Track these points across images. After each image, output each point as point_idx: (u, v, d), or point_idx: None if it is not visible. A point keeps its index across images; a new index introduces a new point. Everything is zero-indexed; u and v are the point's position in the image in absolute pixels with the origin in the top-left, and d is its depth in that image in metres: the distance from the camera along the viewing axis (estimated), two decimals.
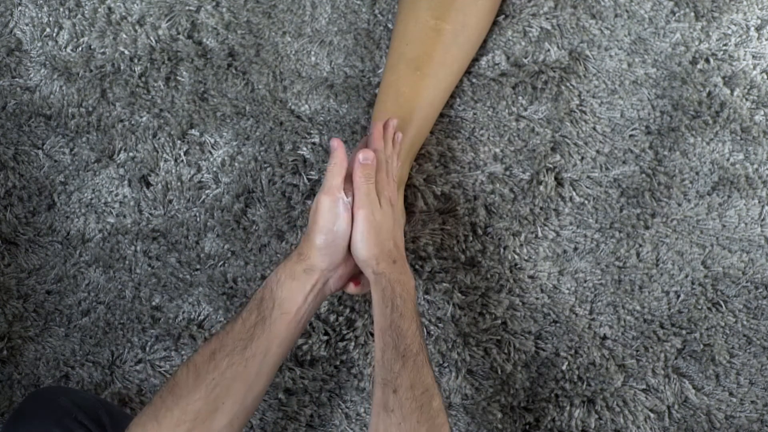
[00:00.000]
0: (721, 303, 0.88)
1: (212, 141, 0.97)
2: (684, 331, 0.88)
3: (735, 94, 0.90)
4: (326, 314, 0.91)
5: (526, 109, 0.93)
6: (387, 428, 0.65)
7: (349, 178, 0.76)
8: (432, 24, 0.86)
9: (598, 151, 0.91)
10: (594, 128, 0.91)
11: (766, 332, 0.87)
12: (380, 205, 0.76)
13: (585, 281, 0.90)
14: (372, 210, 0.75)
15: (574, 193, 0.91)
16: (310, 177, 0.95)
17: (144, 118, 0.98)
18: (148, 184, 0.97)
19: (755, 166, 0.89)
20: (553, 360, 0.89)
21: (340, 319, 0.91)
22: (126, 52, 1.00)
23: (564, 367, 0.88)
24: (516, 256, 0.90)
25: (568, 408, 0.87)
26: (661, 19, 0.92)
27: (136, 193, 0.97)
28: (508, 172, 0.92)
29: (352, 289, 0.79)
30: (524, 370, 0.89)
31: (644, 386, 0.87)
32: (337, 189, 0.74)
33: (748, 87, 0.90)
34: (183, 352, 0.93)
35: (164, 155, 0.97)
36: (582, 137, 0.91)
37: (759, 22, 0.91)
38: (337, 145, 0.76)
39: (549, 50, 0.93)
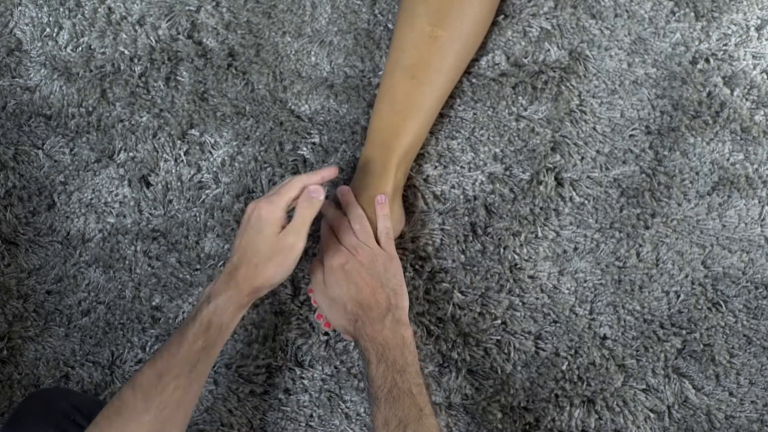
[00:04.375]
0: (721, 303, 0.88)
1: (212, 141, 0.97)
2: (684, 331, 0.88)
3: (735, 94, 0.90)
4: None
5: (526, 109, 0.93)
6: None
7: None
8: (428, 31, 0.86)
9: (598, 151, 0.91)
10: (594, 128, 0.91)
11: (766, 332, 0.87)
12: (332, 276, 0.81)
13: (585, 281, 0.90)
14: (320, 290, 0.83)
15: (574, 193, 0.91)
16: None
17: (144, 118, 0.98)
18: (148, 184, 0.97)
19: (755, 166, 0.89)
20: (553, 360, 0.89)
21: None
22: (126, 52, 1.00)
23: (564, 367, 0.88)
24: (516, 256, 0.90)
25: (568, 408, 0.87)
26: (661, 19, 0.92)
27: (136, 193, 0.97)
28: (508, 172, 0.92)
29: (324, 327, 0.89)
30: (524, 370, 0.89)
31: (644, 386, 0.87)
32: (286, 205, 0.77)
33: (748, 87, 0.90)
34: None
35: (164, 155, 0.97)
36: (582, 137, 0.91)
37: (759, 22, 0.91)
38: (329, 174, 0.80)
39: (549, 50, 0.93)
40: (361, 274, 0.80)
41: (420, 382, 0.75)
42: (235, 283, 0.73)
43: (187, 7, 1.00)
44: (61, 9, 1.01)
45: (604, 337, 0.89)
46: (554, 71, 0.92)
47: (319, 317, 0.87)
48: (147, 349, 0.94)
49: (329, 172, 0.80)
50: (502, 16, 0.94)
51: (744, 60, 0.91)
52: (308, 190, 0.77)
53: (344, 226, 0.84)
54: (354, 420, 0.90)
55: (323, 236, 0.86)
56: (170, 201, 0.96)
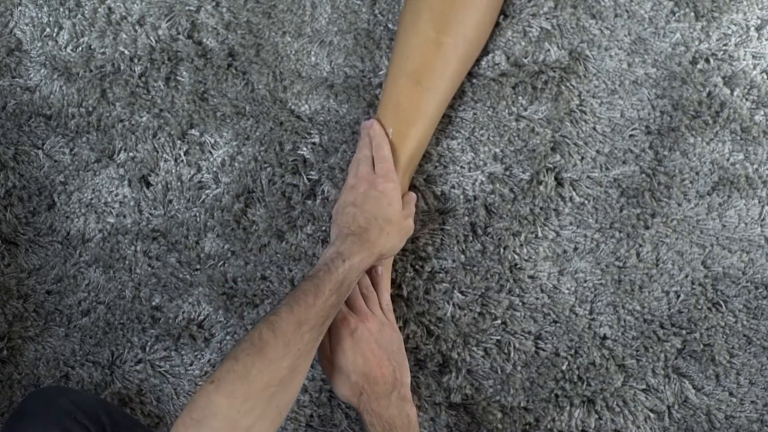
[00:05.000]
0: (721, 303, 0.88)
1: (212, 141, 0.97)
2: (684, 331, 0.88)
3: (735, 94, 0.90)
4: None
5: (526, 109, 0.93)
6: None
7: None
8: (433, 37, 0.86)
9: (598, 151, 0.91)
10: (594, 128, 0.91)
11: (766, 332, 0.87)
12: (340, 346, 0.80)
13: (585, 281, 0.90)
14: (326, 356, 0.81)
15: (574, 193, 0.91)
16: (310, 177, 0.95)
17: (144, 118, 0.98)
18: (148, 184, 0.97)
19: (755, 166, 0.89)
20: (553, 360, 0.89)
21: None
22: (126, 52, 1.00)
23: (564, 367, 0.88)
24: (516, 256, 0.90)
25: (568, 408, 0.87)
26: (661, 19, 0.92)
27: (136, 193, 0.97)
28: (508, 172, 0.92)
29: None
30: (524, 370, 0.89)
31: (644, 386, 0.87)
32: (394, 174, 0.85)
33: (748, 87, 0.90)
34: (183, 352, 0.93)
35: (164, 155, 0.97)
36: (582, 137, 0.91)
37: (759, 22, 0.91)
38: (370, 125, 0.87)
39: (549, 50, 0.93)
40: (370, 344, 0.79)
41: None
42: (369, 245, 0.78)
43: (187, 7, 1.00)
44: (61, 9, 1.01)
45: (604, 337, 0.89)
46: (554, 71, 0.92)
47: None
48: (147, 349, 0.94)
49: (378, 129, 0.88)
50: (502, 17, 0.94)
51: (744, 60, 0.91)
52: (410, 195, 0.89)
53: (354, 293, 0.83)
54: (354, 420, 0.90)
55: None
56: (170, 201, 0.96)
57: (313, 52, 0.98)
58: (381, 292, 0.85)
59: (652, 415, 0.87)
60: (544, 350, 0.89)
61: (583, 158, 0.91)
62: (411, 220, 0.86)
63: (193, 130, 0.97)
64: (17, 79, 1.01)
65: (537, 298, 0.90)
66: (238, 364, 0.66)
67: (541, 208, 0.91)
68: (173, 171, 0.97)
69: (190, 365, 0.93)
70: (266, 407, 0.67)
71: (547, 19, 0.93)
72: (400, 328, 0.88)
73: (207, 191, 0.96)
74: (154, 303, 0.95)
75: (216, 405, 0.64)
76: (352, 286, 0.77)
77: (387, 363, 0.79)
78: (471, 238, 0.91)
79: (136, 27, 1.00)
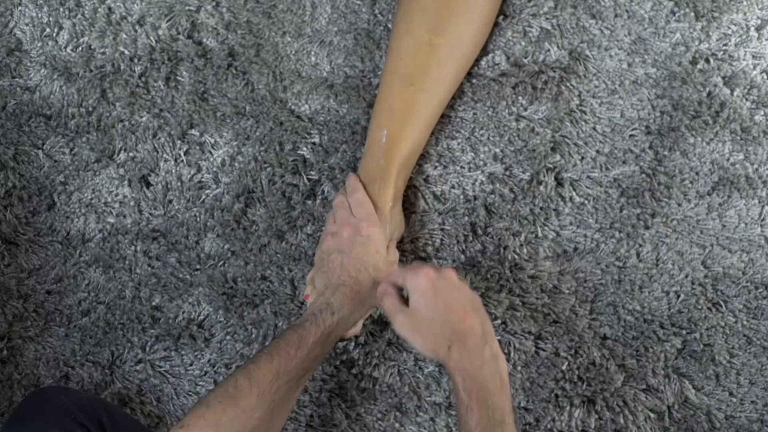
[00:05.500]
0: (721, 303, 0.88)
1: (212, 141, 0.97)
2: (684, 331, 0.88)
3: (735, 94, 0.90)
4: None
5: (526, 109, 0.93)
6: None
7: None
8: (426, 39, 0.86)
9: (598, 151, 0.91)
10: (594, 128, 0.91)
11: (766, 332, 0.87)
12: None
13: (585, 281, 0.90)
14: (401, 318, 0.70)
15: (574, 193, 0.91)
16: (310, 177, 0.95)
17: (144, 118, 0.98)
18: (148, 184, 0.97)
19: (755, 166, 0.89)
20: (553, 360, 0.89)
21: None
22: (126, 52, 1.00)
23: (564, 367, 0.88)
24: (516, 256, 0.90)
25: (568, 408, 0.87)
26: (661, 19, 0.92)
27: (136, 193, 0.97)
28: (508, 172, 0.92)
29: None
30: (524, 370, 0.89)
31: (644, 386, 0.87)
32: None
33: (748, 87, 0.90)
34: (183, 352, 0.93)
35: (164, 155, 0.97)
36: (582, 137, 0.91)
37: (759, 22, 0.91)
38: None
39: (549, 50, 0.93)
40: (453, 292, 0.70)
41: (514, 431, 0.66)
42: (360, 300, 0.75)
43: (187, 7, 1.00)
44: (61, 9, 1.01)
45: (604, 337, 0.89)
46: (554, 71, 0.92)
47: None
48: (147, 349, 0.94)
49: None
50: (502, 17, 0.94)
51: (744, 60, 0.91)
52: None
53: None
54: (354, 420, 0.90)
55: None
56: (170, 201, 0.96)
57: (313, 52, 0.98)
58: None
59: (652, 415, 0.87)
60: (544, 350, 0.89)
61: (583, 158, 0.91)
62: (397, 266, 0.83)
63: (193, 130, 0.97)
64: (17, 79, 1.01)
65: (537, 298, 0.90)
66: (209, 411, 0.65)
67: (541, 208, 0.91)
68: (173, 171, 0.97)
69: (190, 365, 0.93)
70: None
71: (547, 19, 0.93)
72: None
73: (207, 191, 0.96)
74: (154, 303, 0.95)
75: None
76: (336, 337, 0.74)
77: (473, 314, 0.69)
78: (471, 238, 0.91)
79: (136, 27, 1.00)
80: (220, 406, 0.66)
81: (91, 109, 0.99)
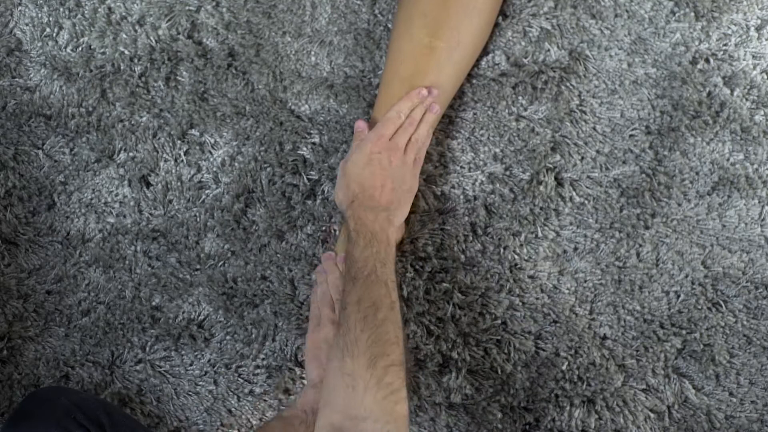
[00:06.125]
0: (721, 303, 0.88)
1: (212, 141, 0.97)
2: (684, 331, 0.88)
3: (735, 94, 0.90)
4: None
5: (526, 109, 0.93)
6: (336, 340, 0.73)
7: None
8: (426, 42, 0.86)
9: (598, 151, 0.91)
10: (594, 128, 0.91)
11: (766, 332, 0.87)
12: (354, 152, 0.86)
13: (585, 281, 0.90)
14: (346, 158, 0.86)
15: (574, 193, 0.91)
16: (310, 177, 0.95)
17: (144, 118, 0.98)
18: (148, 184, 0.97)
19: (755, 166, 0.89)
20: (553, 360, 0.89)
21: None
22: (126, 52, 1.00)
23: (564, 367, 0.88)
24: (516, 256, 0.90)
25: (568, 408, 0.87)
26: (661, 19, 0.92)
27: (136, 193, 0.97)
28: (508, 172, 0.92)
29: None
30: (524, 370, 0.89)
31: (644, 386, 0.87)
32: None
33: (748, 87, 0.90)
34: (183, 352, 0.93)
35: (164, 155, 0.97)
36: (582, 137, 0.91)
37: (759, 22, 0.91)
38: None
39: (549, 50, 0.93)
40: (383, 169, 0.84)
41: (394, 279, 0.78)
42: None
43: (187, 7, 1.00)
44: (61, 9, 1.01)
45: (604, 337, 0.89)
46: (554, 71, 0.92)
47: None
48: (147, 349, 0.94)
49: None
50: (502, 17, 0.94)
51: (744, 60, 0.91)
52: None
53: (403, 128, 0.87)
54: None
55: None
56: (170, 201, 0.96)
57: (313, 52, 0.98)
58: (422, 139, 0.88)
59: (652, 415, 0.87)
60: (544, 350, 0.89)
61: (583, 158, 0.91)
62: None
63: (193, 130, 0.97)
64: (17, 79, 1.01)
65: (537, 298, 0.90)
66: None
67: (541, 208, 0.91)
68: (173, 171, 0.97)
69: (190, 365, 0.93)
70: None
71: (547, 19, 0.93)
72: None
73: (207, 191, 0.96)
74: (154, 303, 0.95)
75: None
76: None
77: (390, 189, 0.84)
78: (471, 238, 0.91)
79: (136, 27, 1.00)
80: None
81: (91, 109, 0.99)
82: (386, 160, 0.85)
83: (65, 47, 1.00)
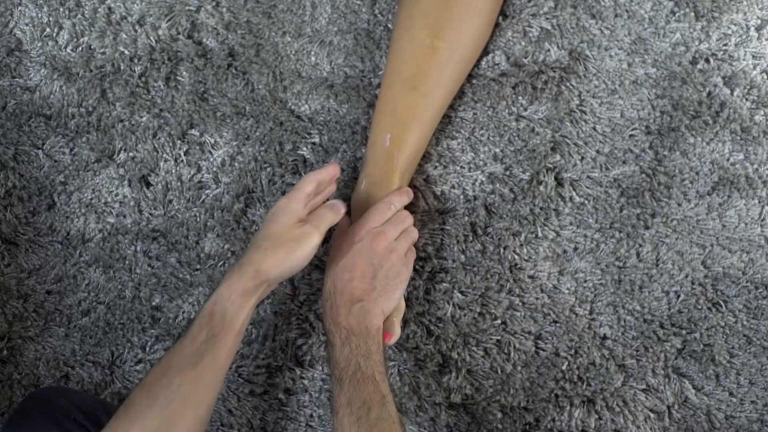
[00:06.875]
0: (721, 303, 0.88)
1: (212, 141, 0.97)
2: (684, 331, 0.88)
3: (735, 94, 0.90)
4: None
5: (526, 109, 0.93)
6: None
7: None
8: (428, 42, 0.86)
9: (598, 151, 0.91)
10: (594, 128, 0.91)
11: (766, 332, 0.87)
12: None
13: (585, 281, 0.90)
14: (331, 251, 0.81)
15: (574, 193, 0.91)
16: None
17: (144, 118, 0.98)
18: (148, 184, 0.97)
19: (755, 166, 0.89)
20: (553, 360, 0.89)
21: None
22: (126, 52, 1.00)
23: (564, 367, 0.88)
24: (516, 256, 0.90)
25: (568, 408, 0.87)
26: (661, 19, 0.92)
27: (136, 193, 0.97)
28: (508, 172, 0.92)
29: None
30: (524, 370, 0.89)
31: (644, 386, 0.87)
32: (306, 198, 0.78)
33: (748, 87, 0.90)
34: None
35: (164, 155, 0.97)
36: (582, 137, 0.91)
37: (759, 22, 0.91)
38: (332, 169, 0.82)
39: (549, 50, 0.93)
40: (363, 258, 0.78)
41: (383, 371, 0.74)
42: (238, 268, 0.72)
43: (187, 7, 1.00)
44: (61, 9, 1.01)
45: (604, 337, 0.89)
46: (554, 71, 0.92)
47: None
48: (147, 349, 0.94)
49: (333, 170, 0.81)
50: (502, 17, 0.94)
51: (744, 60, 0.91)
52: (332, 202, 0.80)
53: (392, 222, 0.82)
54: None
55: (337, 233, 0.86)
56: (170, 201, 0.96)
57: (313, 52, 0.98)
58: (409, 230, 0.84)
59: (652, 415, 0.87)
60: (544, 350, 0.89)
61: (583, 158, 0.91)
62: (308, 228, 0.75)
63: (193, 130, 0.98)
64: (17, 79, 1.01)
65: (537, 298, 0.90)
66: (107, 430, 0.66)
67: (541, 208, 0.91)
68: (173, 171, 0.97)
69: None
70: None
71: (547, 19, 0.93)
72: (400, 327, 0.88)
73: (207, 191, 0.96)
74: (154, 303, 0.95)
75: None
76: (232, 316, 0.71)
77: (369, 278, 0.78)
78: (471, 238, 0.91)
79: (136, 27, 1.00)
80: (114, 424, 0.66)
81: (91, 109, 0.99)
82: (367, 247, 0.79)
83: (65, 47, 1.00)
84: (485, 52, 0.94)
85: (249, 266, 0.72)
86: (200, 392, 0.69)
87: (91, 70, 1.00)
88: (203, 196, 0.96)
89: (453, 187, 0.93)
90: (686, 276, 0.88)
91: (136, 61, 0.99)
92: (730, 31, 0.91)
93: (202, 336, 0.69)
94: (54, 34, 1.01)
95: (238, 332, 0.72)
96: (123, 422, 0.66)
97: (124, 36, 1.00)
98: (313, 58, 0.98)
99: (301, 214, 0.76)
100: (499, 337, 0.89)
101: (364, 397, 0.71)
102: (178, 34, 0.99)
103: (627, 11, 0.93)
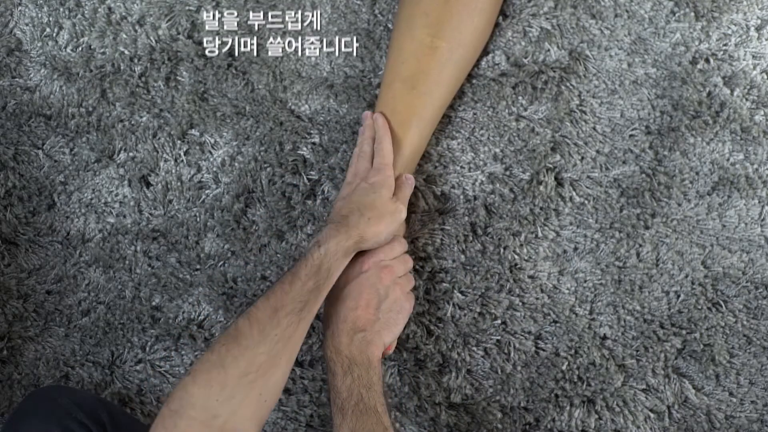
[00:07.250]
0: (721, 303, 0.88)
1: (212, 141, 0.97)
2: (684, 331, 0.88)
3: (735, 94, 0.90)
4: None
5: (526, 109, 0.93)
6: None
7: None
8: (428, 42, 0.86)
9: (598, 151, 0.91)
10: (594, 128, 0.91)
11: (766, 332, 0.87)
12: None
13: (585, 281, 0.90)
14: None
15: (574, 193, 0.91)
16: (310, 177, 0.95)
17: (144, 118, 0.98)
18: (148, 184, 0.97)
19: (755, 166, 0.89)
20: (553, 360, 0.89)
21: None
22: (126, 52, 1.00)
23: (564, 367, 0.88)
24: (516, 256, 0.90)
25: (568, 408, 0.87)
26: (661, 19, 0.92)
27: (136, 193, 0.97)
28: (508, 172, 0.92)
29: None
30: (524, 370, 0.89)
31: (644, 386, 0.87)
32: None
33: (748, 87, 0.90)
34: (183, 352, 0.93)
35: (164, 155, 0.97)
36: (582, 137, 0.91)
37: (759, 22, 0.91)
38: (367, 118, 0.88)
39: (549, 50, 0.93)
40: (371, 283, 0.80)
41: (384, 402, 0.75)
42: (345, 229, 0.77)
43: (187, 7, 1.00)
44: (61, 9, 1.01)
45: (604, 337, 0.89)
46: (554, 71, 0.92)
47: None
48: (147, 349, 0.94)
49: (369, 121, 0.88)
50: (502, 17, 0.94)
51: (744, 60, 0.91)
52: (407, 177, 0.87)
53: (390, 248, 0.83)
54: None
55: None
56: (170, 201, 0.96)
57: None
58: (409, 275, 0.85)
59: (652, 415, 0.87)
60: (544, 350, 0.89)
61: (583, 158, 0.91)
62: (401, 206, 0.83)
63: (193, 130, 0.98)
64: (17, 79, 1.01)
65: (537, 298, 0.90)
66: (213, 355, 0.68)
67: (541, 208, 0.91)
68: (173, 171, 0.97)
69: (190, 365, 0.93)
70: (247, 395, 0.68)
71: (547, 19, 0.93)
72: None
73: (207, 191, 0.96)
74: (154, 303, 0.95)
75: (192, 395, 0.66)
76: (333, 272, 0.76)
77: (373, 308, 0.79)
78: (471, 238, 0.91)
79: (136, 27, 1.00)
80: (223, 348, 0.68)
81: (91, 109, 0.99)
82: (375, 276, 0.80)
83: (65, 47, 1.00)
84: (485, 52, 0.94)
85: (355, 230, 0.78)
86: (299, 334, 0.73)
87: (91, 70, 1.00)
88: (203, 196, 0.96)
89: (453, 187, 0.93)
90: (686, 276, 0.88)
91: (136, 61, 0.99)
92: (730, 31, 0.91)
93: (309, 285, 0.73)
94: (54, 34, 1.01)
95: (332, 283, 0.77)
96: (234, 350, 0.68)
97: (124, 36, 1.00)
98: (313, 59, 0.98)
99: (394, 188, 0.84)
100: (499, 337, 0.89)
101: (368, 429, 0.72)
102: (178, 34, 0.99)
103: (627, 11, 0.93)
